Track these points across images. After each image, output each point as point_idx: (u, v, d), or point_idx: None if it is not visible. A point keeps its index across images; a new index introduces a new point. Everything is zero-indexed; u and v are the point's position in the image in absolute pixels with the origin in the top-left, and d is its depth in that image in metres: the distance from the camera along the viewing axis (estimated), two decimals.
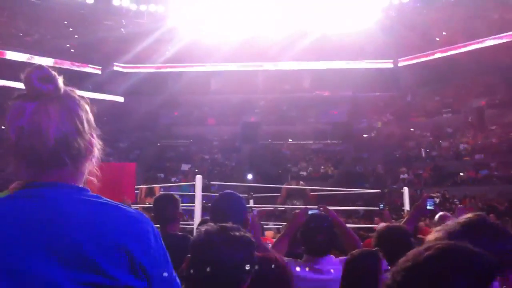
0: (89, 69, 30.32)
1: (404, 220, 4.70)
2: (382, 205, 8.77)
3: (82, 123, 1.36)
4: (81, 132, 1.36)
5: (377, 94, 30.51)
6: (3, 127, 1.35)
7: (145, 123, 29.23)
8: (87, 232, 1.25)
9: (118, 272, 1.25)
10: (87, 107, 1.42)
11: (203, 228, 1.94)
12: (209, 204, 8.24)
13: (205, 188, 8.46)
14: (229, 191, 3.22)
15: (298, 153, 27.94)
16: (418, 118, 28.53)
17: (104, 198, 1.36)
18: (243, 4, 27.04)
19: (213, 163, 27.13)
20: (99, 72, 30.58)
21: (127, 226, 1.31)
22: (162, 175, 25.02)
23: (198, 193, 8.13)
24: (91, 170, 1.42)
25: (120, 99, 30.83)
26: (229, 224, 1.96)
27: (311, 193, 10.22)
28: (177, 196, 4.02)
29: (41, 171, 1.32)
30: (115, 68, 31.08)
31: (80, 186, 1.37)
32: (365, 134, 28.79)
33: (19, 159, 1.33)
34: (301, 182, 10.74)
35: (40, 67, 1.36)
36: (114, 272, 1.24)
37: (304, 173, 24.48)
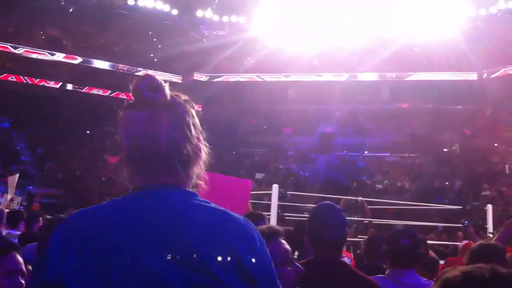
0: (171, 78, 31.28)
1: (495, 238, 4.48)
2: (466, 222, 8.48)
3: (189, 129, 1.41)
4: (189, 138, 1.41)
5: (460, 107, 29.39)
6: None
7: (223, 131, 29.73)
8: (200, 235, 1.29)
9: (227, 276, 1.28)
10: (193, 111, 1.48)
11: None
12: (284, 214, 8.28)
13: (280, 198, 8.51)
14: (329, 202, 3.13)
15: (374, 165, 27.41)
16: (504, 133, 27.17)
17: (213, 203, 1.39)
18: (323, 14, 27.01)
19: (287, 173, 27.15)
20: (179, 81, 31.50)
21: (236, 231, 1.34)
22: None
23: (274, 202, 8.19)
24: (199, 174, 1.46)
25: (200, 107, 31.59)
26: None
27: (368, 206, 10.23)
28: (266, 217, 4.02)
29: (154, 177, 1.37)
30: (196, 77, 31.90)
31: (190, 190, 1.42)
32: (446, 148, 27.78)
33: (134, 166, 1.39)
34: (360, 198, 10.71)
35: (147, 77, 1.42)
36: (223, 275, 1.27)
37: (380, 186, 23.97)
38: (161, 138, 1.36)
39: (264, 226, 2.15)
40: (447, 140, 28.22)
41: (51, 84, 28.51)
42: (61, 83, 28.84)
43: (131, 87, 1.41)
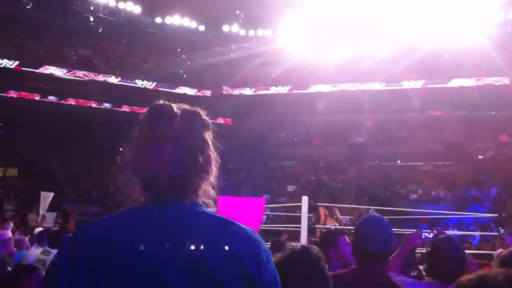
0: (200, 93, 31.56)
1: None
2: (503, 230, 8.28)
3: (196, 157, 1.44)
4: (196, 166, 1.44)
5: (494, 113, 28.78)
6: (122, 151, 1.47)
7: (253, 144, 29.77)
8: (207, 243, 1.34)
9: (233, 283, 1.32)
10: (206, 133, 1.50)
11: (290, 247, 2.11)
12: (314, 225, 8.22)
13: (310, 210, 8.45)
14: (376, 215, 3.14)
15: (408, 175, 27.01)
16: None
17: (219, 214, 1.45)
18: (350, 22, 26.89)
19: (319, 185, 26.96)
20: (209, 95, 31.76)
21: (242, 240, 1.38)
22: (268, 196, 25.25)
23: (304, 214, 8.15)
24: (207, 189, 1.50)
25: (229, 121, 31.78)
26: (312, 246, 2.10)
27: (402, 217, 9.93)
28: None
29: (161, 195, 1.43)
30: (224, 91, 32.12)
31: (198, 202, 1.46)
32: (481, 155, 27.18)
33: (141, 186, 1.45)
34: (372, 208, 10.53)
35: (157, 108, 1.47)
36: (229, 282, 1.31)
37: (414, 196, 23.58)
38: (164, 170, 1.41)
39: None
40: (481, 147, 27.64)
41: (83, 103, 29.09)
42: (93, 102, 29.42)
43: (140, 116, 1.46)
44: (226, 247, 1.34)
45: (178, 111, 1.47)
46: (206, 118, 1.54)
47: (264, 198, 5.75)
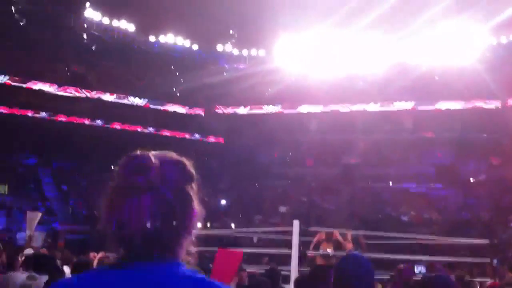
0: (192, 111, 31.59)
1: None
2: (496, 261, 8.29)
3: (175, 212, 1.35)
4: (174, 222, 1.35)
5: (485, 135, 28.91)
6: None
7: (244, 163, 29.71)
8: None
9: None
10: (189, 185, 1.40)
11: None
12: (307, 252, 8.11)
13: (302, 233, 8.35)
14: (355, 253, 3.10)
15: (399, 196, 26.98)
16: None
17: (199, 274, 1.35)
18: (344, 43, 27.19)
19: (311, 206, 26.85)
20: (202, 114, 31.79)
21: None
22: (260, 216, 25.11)
23: (295, 239, 8.04)
24: (188, 247, 1.40)
25: (221, 139, 31.77)
26: None
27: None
28: None
29: (137, 254, 1.34)
30: (217, 110, 32.17)
31: (176, 261, 1.37)
32: (472, 178, 27.24)
33: (115, 243, 1.36)
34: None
35: (132, 158, 1.38)
36: None
37: (405, 219, 23.54)
38: (139, 226, 1.31)
39: None
40: (472, 170, 27.71)
41: (75, 120, 28.97)
42: (85, 119, 29.32)
43: (117, 167, 1.36)
44: None
45: (156, 161, 1.38)
46: (190, 168, 1.44)
47: (241, 253, 5.73)
